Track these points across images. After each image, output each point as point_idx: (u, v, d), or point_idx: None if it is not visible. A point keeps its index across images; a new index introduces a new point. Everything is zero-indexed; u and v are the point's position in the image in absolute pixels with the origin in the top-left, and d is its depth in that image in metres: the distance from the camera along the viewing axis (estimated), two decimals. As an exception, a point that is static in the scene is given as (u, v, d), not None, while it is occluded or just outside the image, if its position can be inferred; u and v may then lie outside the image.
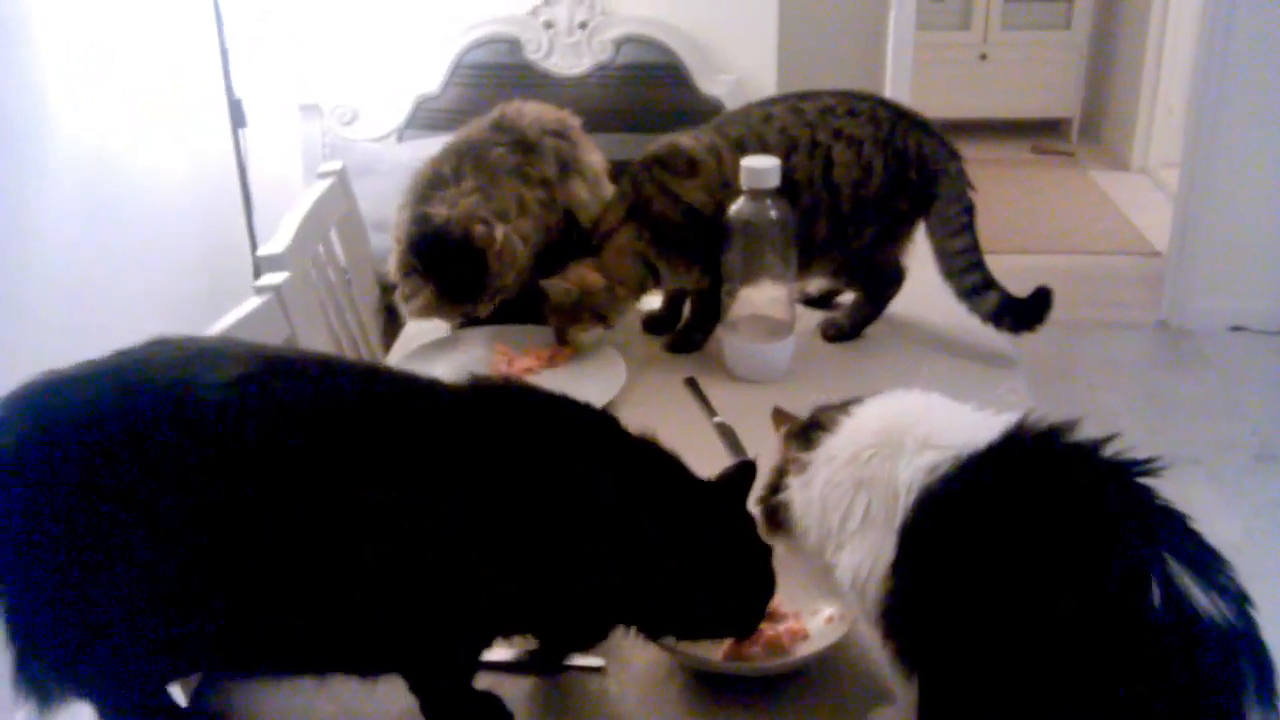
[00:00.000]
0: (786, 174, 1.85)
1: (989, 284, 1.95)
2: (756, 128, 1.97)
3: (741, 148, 1.93)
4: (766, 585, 1.24)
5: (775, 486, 1.25)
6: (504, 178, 1.99)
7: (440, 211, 1.93)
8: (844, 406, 1.22)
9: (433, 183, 1.98)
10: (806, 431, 1.22)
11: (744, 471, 1.25)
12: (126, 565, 1.04)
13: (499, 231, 1.91)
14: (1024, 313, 1.93)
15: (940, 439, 1.08)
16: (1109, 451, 1.04)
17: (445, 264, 1.93)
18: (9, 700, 1.10)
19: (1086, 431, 1.06)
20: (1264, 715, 0.91)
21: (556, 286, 1.90)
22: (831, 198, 1.94)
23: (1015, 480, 1.04)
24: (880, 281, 2.03)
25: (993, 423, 1.10)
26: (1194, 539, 0.99)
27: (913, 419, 1.13)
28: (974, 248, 1.96)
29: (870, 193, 1.94)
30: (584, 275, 1.92)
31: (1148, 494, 1.02)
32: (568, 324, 1.95)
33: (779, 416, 1.33)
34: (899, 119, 1.97)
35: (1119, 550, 0.96)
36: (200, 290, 3.43)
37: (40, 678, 1.10)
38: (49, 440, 1.05)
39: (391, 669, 1.17)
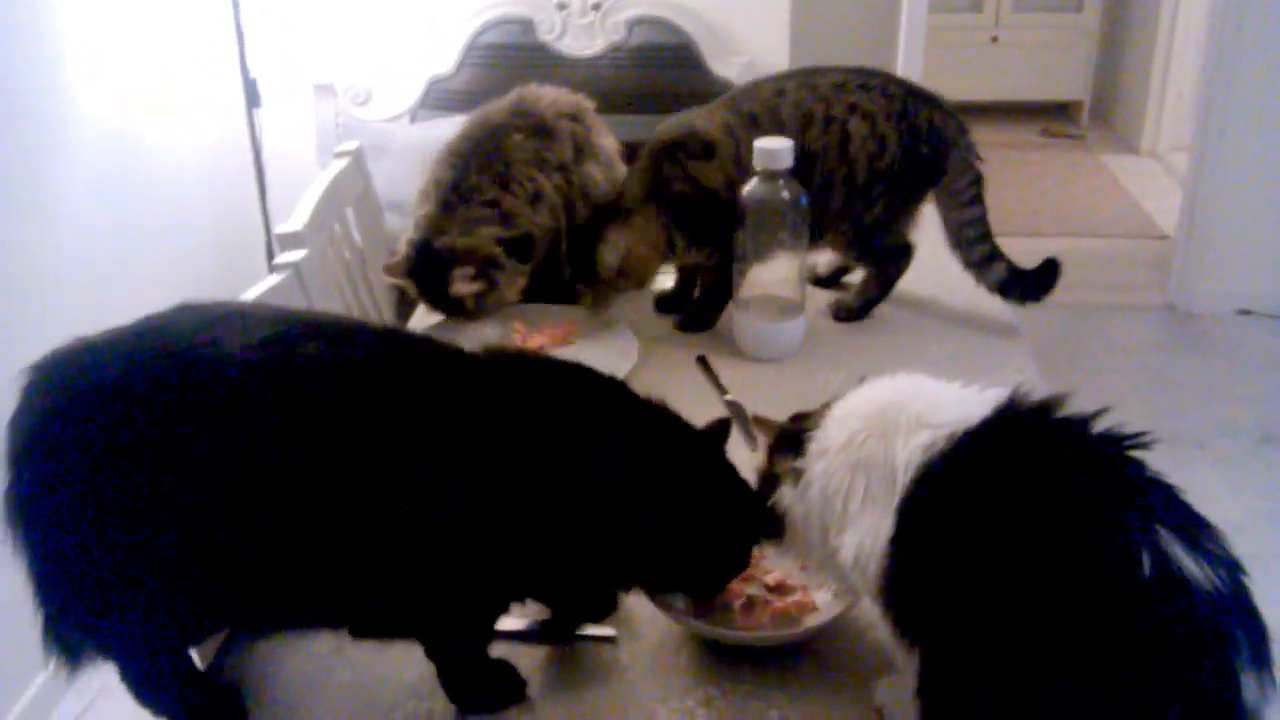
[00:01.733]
0: (801, 148, 1.87)
1: (996, 255, 1.98)
2: (769, 102, 1.99)
3: (755, 123, 1.95)
4: (755, 525, 1.27)
5: (764, 495, 1.27)
6: (520, 169, 2.02)
7: (449, 235, 1.97)
8: (824, 408, 1.24)
9: (457, 189, 2.00)
10: (793, 439, 1.24)
11: (726, 425, 1.30)
12: (152, 525, 1.06)
13: (475, 286, 1.95)
14: (1031, 284, 1.97)
15: (934, 417, 1.11)
16: (1101, 426, 1.07)
17: (429, 282, 1.98)
18: (30, 663, 1.13)
19: (1087, 409, 1.09)
20: (1259, 678, 0.94)
21: (609, 252, 1.94)
22: (848, 170, 1.97)
23: (1010, 455, 1.06)
24: (889, 257, 2.05)
25: (982, 398, 1.13)
26: (1184, 510, 1.01)
27: (904, 399, 1.16)
28: (983, 219, 1.99)
29: (884, 165, 1.97)
30: (630, 239, 1.95)
31: (1138, 467, 1.04)
32: (609, 292, 1.99)
33: (760, 423, 1.36)
34: (909, 94, 2.00)
35: (1110, 521, 0.98)
36: (214, 268, 3.47)
37: (68, 637, 1.13)
38: (78, 405, 1.07)
39: (408, 633, 1.21)
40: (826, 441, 1.18)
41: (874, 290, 2.07)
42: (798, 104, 1.97)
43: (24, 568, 1.09)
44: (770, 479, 1.27)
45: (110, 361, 1.09)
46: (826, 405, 1.24)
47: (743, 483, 1.28)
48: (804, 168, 1.88)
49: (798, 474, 1.21)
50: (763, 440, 1.33)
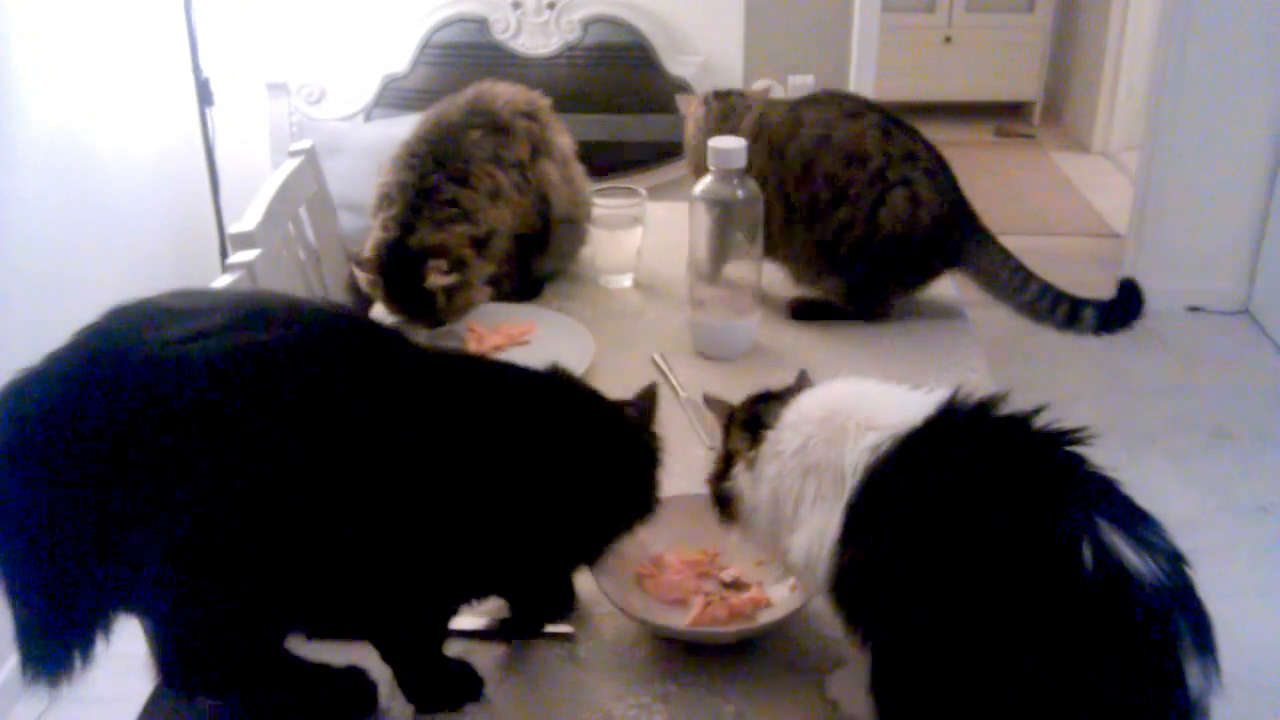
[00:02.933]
0: (835, 179, 1.96)
1: (1079, 305, 2.00)
2: (836, 121, 2.01)
3: (795, 129, 2.01)
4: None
5: (723, 474, 1.28)
6: (479, 166, 2.02)
7: (422, 233, 1.96)
8: (782, 399, 1.26)
9: (419, 189, 1.99)
10: (751, 427, 1.25)
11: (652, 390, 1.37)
12: (119, 545, 1.04)
13: (449, 278, 1.93)
14: (1122, 311, 2.03)
15: (880, 420, 1.13)
16: (1040, 423, 1.09)
17: (400, 279, 1.96)
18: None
19: (1044, 410, 1.11)
20: (1203, 665, 0.96)
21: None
22: (867, 234, 1.99)
23: (952, 453, 1.08)
24: (868, 309, 2.07)
25: (927, 400, 1.15)
26: (1124, 502, 1.03)
27: (852, 404, 1.18)
28: (1044, 287, 2.01)
29: (887, 247, 1.99)
30: None
31: (1078, 461, 1.06)
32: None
33: (711, 403, 1.37)
34: (964, 207, 2.02)
35: (1051, 515, 1.00)
36: (167, 267, 3.44)
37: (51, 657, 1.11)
38: (27, 440, 1.04)
39: (374, 629, 1.20)
40: (780, 445, 1.20)
41: (839, 312, 2.06)
42: (858, 136, 1.99)
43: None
44: (727, 457, 1.28)
45: (50, 395, 1.06)
46: (784, 398, 1.26)
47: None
48: (832, 198, 1.97)
49: (751, 462, 1.23)
50: (712, 419, 1.34)
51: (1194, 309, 4.58)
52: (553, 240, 2.18)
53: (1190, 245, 4.54)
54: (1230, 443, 3.71)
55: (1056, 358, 4.25)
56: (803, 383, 1.32)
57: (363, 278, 1.99)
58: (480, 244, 2.00)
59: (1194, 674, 0.95)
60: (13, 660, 1.14)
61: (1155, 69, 4.47)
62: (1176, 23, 4.29)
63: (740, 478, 1.24)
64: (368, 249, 1.99)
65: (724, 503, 1.28)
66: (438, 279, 1.92)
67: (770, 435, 1.22)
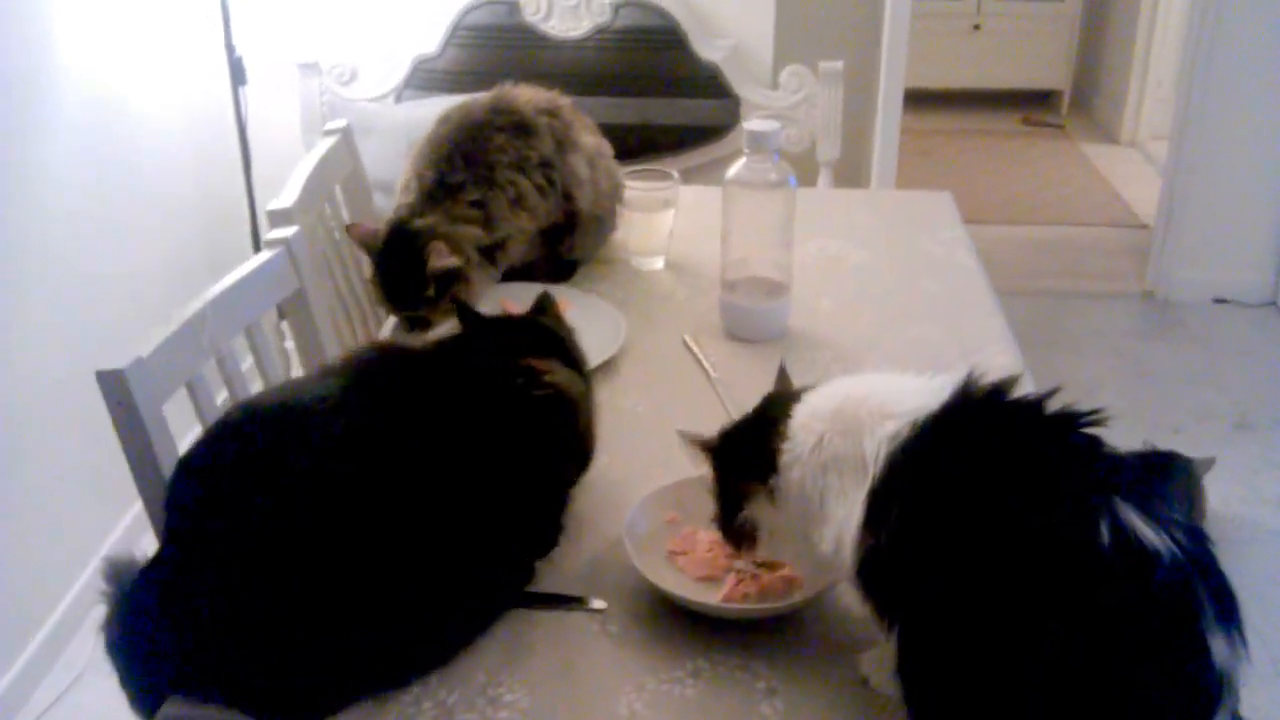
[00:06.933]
0: None
1: None
2: None
3: None
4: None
5: (731, 512, 1.29)
6: (503, 171, 2.03)
7: (432, 219, 1.96)
8: (783, 408, 1.27)
9: (441, 184, 2.00)
10: (763, 459, 1.25)
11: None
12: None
13: (451, 261, 1.91)
14: None
15: (895, 408, 1.15)
16: (1055, 405, 1.11)
17: (397, 257, 1.95)
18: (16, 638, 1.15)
19: (1069, 398, 1.12)
20: (1228, 638, 0.97)
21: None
22: None
23: (971, 436, 1.10)
24: None
25: (936, 385, 1.16)
26: (1143, 483, 1.04)
27: (862, 395, 1.20)
28: None
29: None
30: None
31: (1096, 442, 1.08)
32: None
33: (690, 439, 1.36)
34: None
35: (1068, 494, 1.02)
36: (198, 243, 3.48)
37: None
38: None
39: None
40: (797, 450, 1.21)
41: None
42: None
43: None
44: (734, 497, 1.29)
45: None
46: (786, 405, 1.27)
47: None
48: None
49: (772, 489, 1.23)
50: (698, 456, 1.34)
51: (1220, 300, 4.58)
52: (580, 231, 2.19)
53: (1218, 237, 4.53)
54: (1254, 434, 3.71)
55: (1082, 346, 4.26)
56: (784, 379, 1.35)
57: (356, 242, 2.00)
58: (489, 252, 2.01)
59: (1219, 646, 0.96)
60: (41, 635, 1.18)
61: (1185, 60, 4.45)
62: (1207, 13, 4.27)
63: (760, 510, 1.26)
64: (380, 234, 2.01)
65: (741, 535, 1.30)
66: (438, 261, 1.90)
67: (784, 447, 1.22)
